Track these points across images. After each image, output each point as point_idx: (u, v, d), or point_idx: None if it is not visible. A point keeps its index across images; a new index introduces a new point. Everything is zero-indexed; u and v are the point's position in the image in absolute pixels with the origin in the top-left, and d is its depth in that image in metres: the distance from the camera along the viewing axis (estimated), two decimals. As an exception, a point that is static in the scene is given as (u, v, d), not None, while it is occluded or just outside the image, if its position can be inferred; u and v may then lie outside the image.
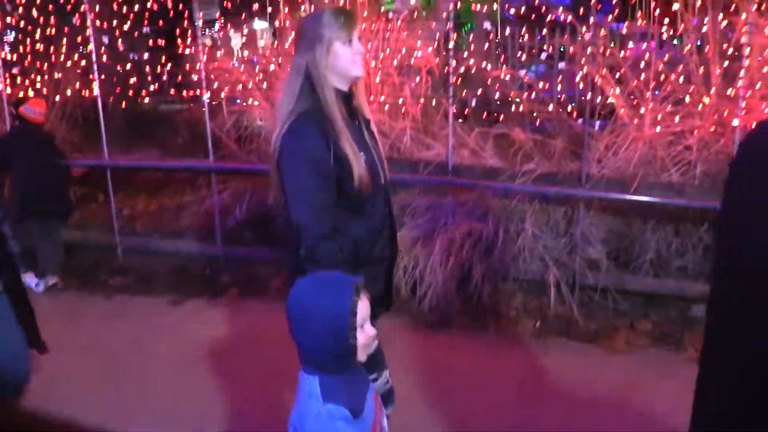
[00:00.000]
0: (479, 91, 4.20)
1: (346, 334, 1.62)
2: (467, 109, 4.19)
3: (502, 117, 4.23)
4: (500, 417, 3.28)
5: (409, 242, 4.31)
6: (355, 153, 2.11)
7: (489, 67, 4.40)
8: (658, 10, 4.45)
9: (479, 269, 4.19)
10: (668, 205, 4.11)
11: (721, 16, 3.89)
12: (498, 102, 4.21)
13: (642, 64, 4.08)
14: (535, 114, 4.12)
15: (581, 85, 4.10)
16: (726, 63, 3.91)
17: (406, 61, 4.39)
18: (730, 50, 4.01)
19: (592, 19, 3.75)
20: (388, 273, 2.40)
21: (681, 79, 4.03)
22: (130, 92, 5.32)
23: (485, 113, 4.22)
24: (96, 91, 5.08)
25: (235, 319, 4.43)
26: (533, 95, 4.12)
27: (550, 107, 4.16)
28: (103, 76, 5.23)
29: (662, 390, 3.37)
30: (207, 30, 5.76)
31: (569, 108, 4.27)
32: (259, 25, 8.71)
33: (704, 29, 3.94)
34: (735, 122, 3.80)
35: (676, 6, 4.12)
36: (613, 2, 4.28)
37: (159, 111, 7.28)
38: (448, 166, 4.35)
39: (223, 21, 6.06)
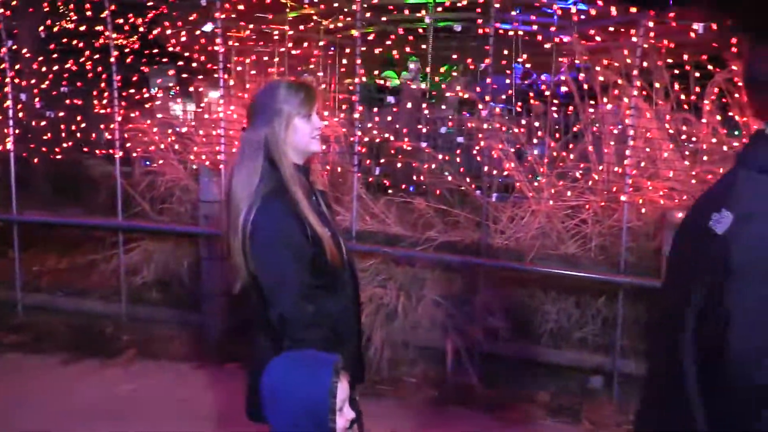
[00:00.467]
0: (381, 161, 4.30)
1: (326, 418, 1.54)
2: (370, 178, 4.28)
3: (403, 186, 4.33)
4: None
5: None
6: (322, 229, 2.02)
7: (392, 138, 4.56)
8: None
9: (379, 335, 4.18)
10: (566, 276, 4.21)
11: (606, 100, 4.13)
12: (402, 172, 4.32)
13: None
14: (435, 185, 4.24)
15: (478, 159, 4.26)
16: (613, 143, 4.13)
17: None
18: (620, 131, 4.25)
19: (488, 97, 3.93)
20: (359, 347, 2.32)
21: (572, 156, 4.22)
22: (44, 148, 5.29)
23: (389, 183, 4.32)
24: (9, 146, 5.03)
25: (126, 381, 4.25)
26: (433, 166, 4.25)
27: (450, 178, 4.28)
28: (17, 131, 5.20)
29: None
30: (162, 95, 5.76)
31: (468, 180, 4.42)
32: (215, 94, 8.85)
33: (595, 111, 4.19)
34: (623, 198, 3.98)
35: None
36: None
37: (84, 167, 7.21)
38: (352, 232, 4.42)
39: (178, 89, 6.07)
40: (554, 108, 4.79)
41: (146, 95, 5.37)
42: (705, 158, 4.09)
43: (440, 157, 4.29)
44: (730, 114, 3.90)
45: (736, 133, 3.95)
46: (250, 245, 1.98)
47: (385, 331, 4.21)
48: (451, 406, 4.05)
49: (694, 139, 3.92)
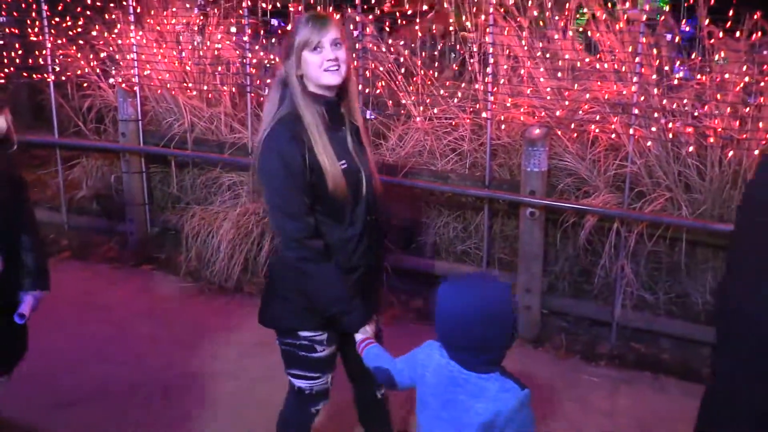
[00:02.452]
0: (268, 82, 4.48)
1: (512, 331, 1.66)
2: (261, 98, 4.46)
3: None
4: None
5: (212, 216, 4.62)
6: (331, 160, 2.06)
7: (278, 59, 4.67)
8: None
9: (268, 243, 4.52)
10: (443, 192, 4.40)
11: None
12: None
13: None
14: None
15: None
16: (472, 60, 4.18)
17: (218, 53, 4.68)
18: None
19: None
20: (370, 280, 2.32)
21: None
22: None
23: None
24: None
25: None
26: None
27: None
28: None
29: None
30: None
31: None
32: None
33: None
34: (484, 115, 4.11)
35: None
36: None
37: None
38: (249, 148, 4.64)
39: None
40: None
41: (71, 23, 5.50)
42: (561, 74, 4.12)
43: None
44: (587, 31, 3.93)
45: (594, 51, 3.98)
46: (257, 163, 2.12)
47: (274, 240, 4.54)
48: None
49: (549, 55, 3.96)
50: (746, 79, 3.55)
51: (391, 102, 4.57)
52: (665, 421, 3.42)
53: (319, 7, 4.99)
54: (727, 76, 3.58)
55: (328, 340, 2.31)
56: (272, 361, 3.78)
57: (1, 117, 2.46)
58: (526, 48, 3.97)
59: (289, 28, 2.34)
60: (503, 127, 4.10)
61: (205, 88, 4.67)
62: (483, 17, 3.93)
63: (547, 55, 4.00)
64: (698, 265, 3.98)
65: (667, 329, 4.03)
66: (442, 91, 4.30)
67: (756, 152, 3.62)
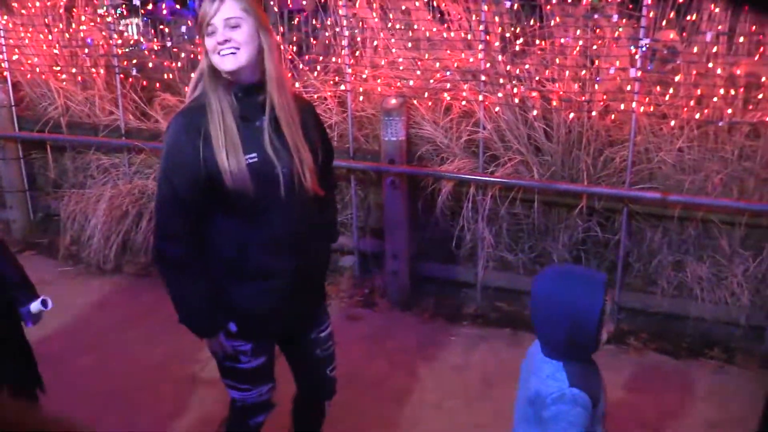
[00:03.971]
0: (134, 62, 4.43)
1: (595, 331, 1.63)
2: (130, 78, 4.42)
3: (158, 84, 4.47)
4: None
5: (87, 199, 4.57)
6: (232, 155, 1.83)
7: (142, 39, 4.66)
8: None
9: (146, 222, 4.50)
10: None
11: None
12: (155, 71, 4.45)
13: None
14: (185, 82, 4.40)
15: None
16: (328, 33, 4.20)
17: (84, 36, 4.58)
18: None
19: None
20: (300, 288, 2.07)
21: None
22: None
23: (146, 83, 4.47)
24: None
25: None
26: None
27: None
28: None
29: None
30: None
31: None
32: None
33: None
34: (342, 87, 4.15)
35: None
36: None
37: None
38: (122, 130, 4.57)
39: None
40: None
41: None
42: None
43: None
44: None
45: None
46: None
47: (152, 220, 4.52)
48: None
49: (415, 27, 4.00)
50: (579, 43, 3.65)
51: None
52: (511, 371, 3.54)
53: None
54: (563, 41, 3.67)
55: (253, 350, 2.09)
56: (129, 337, 3.81)
57: None
58: (377, 20, 4.00)
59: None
60: (361, 98, 4.13)
61: (74, 71, 4.58)
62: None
63: (398, 27, 4.04)
64: (555, 224, 4.11)
65: (527, 287, 4.15)
66: (302, 66, 4.30)
67: (594, 113, 3.74)
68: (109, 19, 4.28)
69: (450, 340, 3.87)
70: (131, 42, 4.59)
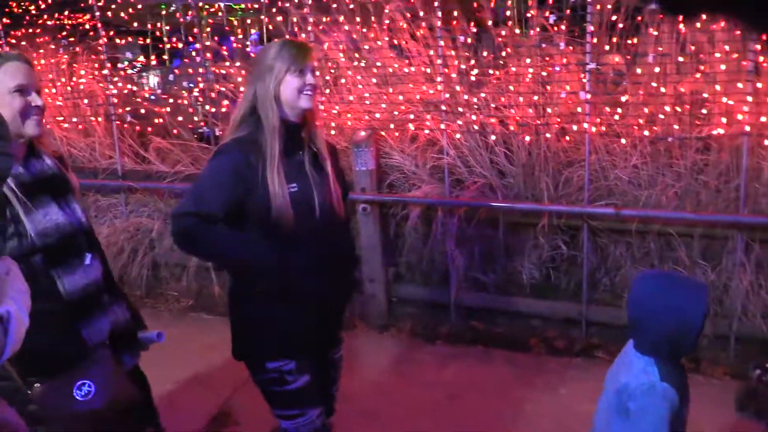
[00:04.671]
0: (128, 109, 4.77)
1: (695, 334, 1.69)
2: (125, 124, 4.75)
3: (149, 129, 4.78)
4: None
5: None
6: (281, 184, 2.00)
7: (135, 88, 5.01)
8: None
9: (143, 257, 4.77)
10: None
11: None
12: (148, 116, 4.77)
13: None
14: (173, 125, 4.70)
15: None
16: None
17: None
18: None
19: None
20: (326, 311, 2.22)
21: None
22: None
23: (139, 128, 4.79)
24: None
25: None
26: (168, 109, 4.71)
27: (180, 118, 4.74)
28: None
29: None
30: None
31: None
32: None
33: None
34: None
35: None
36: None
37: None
38: (119, 172, 4.90)
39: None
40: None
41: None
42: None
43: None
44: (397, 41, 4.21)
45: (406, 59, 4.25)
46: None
47: (149, 255, 4.80)
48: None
49: (379, 64, 4.26)
50: (530, 71, 3.85)
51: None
52: (476, 385, 3.64)
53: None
54: (514, 69, 3.88)
55: (298, 368, 2.17)
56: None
57: None
58: (344, 60, 4.27)
59: (263, 49, 2.16)
60: (333, 132, 4.37)
61: (75, 119, 4.94)
62: (303, 35, 4.22)
63: (363, 64, 4.29)
64: (524, 244, 4.25)
65: (499, 306, 4.28)
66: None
67: (549, 135, 3.91)
68: (130, 71, 4.62)
69: (424, 358, 4.00)
70: (125, 91, 4.93)
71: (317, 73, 2.09)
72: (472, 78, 4.02)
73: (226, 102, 4.53)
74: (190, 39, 5.01)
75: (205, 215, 1.99)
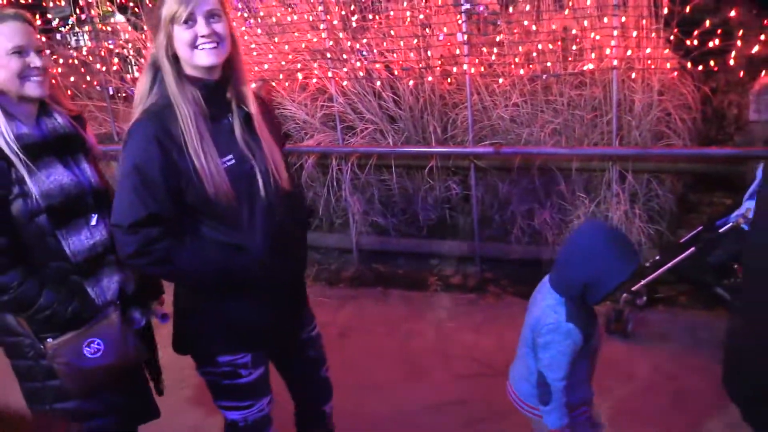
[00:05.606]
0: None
1: (605, 294, 1.77)
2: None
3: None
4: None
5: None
6: (208, 158, 1.68)
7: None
8: None
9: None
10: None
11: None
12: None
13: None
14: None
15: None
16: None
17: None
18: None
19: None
20: (284, 296, 1.94)
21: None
22: None
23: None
24: None
25: None
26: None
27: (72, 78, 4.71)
28: None
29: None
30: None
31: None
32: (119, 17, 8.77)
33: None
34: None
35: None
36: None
37: None
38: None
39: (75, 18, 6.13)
40: None
41: None
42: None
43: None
44: None
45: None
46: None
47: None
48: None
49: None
50: (408, 14, 3.87)
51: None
52: (368, 323, 3.78)
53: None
54: (392, 13, 3.89)
55: (253, 361, 1.94)
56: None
57: None
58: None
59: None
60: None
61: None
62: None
63: (246, 15, 4.26)
64: (417, 186, 4.35)
65: (399, 248, 4.42)
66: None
67: (430, 79, 3.97)
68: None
69: (323, 301, 4.13)
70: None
71: (218, 18, 1.66)
72: (354, 24, 4.01)
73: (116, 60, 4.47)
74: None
75: (154, 220, 1.70)
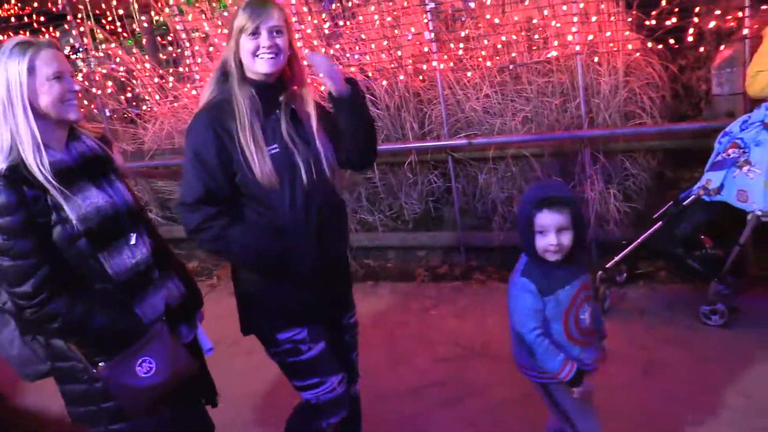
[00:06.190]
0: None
1: (522, 235, 1.91)
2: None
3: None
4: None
5: None
6: (258, 148, 1.91)
7: None
8: None
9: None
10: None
11: None
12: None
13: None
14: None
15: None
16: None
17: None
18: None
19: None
20: (327, 278, 2.08)
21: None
22: None
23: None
24: None
25: None
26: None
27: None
28: None
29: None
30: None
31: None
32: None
33: None
34: (194, 92, 4.58)
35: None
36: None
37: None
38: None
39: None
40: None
41: None
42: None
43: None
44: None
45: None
46: None
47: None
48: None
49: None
50: (375, 18, 4.02)
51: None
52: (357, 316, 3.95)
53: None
54: (361, 18, 4.05)
55: (310, 335, 2.08)
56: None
57: None
58: (208, 29, 4.45)
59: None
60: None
61: None
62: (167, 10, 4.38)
63: (225, 31, 4.46)
64: (401, 182, 4.50)
65: (388, 242, 4.56)
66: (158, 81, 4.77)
67: (401, 77, 4.11)
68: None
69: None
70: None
71: (280, 34, 1.91)
72: (326, 31, 4.18)
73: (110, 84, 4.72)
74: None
75: (212, 198, 1.94)
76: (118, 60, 4.66)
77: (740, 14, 3.41)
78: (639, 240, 3.36)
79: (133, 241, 1.89)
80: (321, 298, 2.08)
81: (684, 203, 3.23)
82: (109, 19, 4.89)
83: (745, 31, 3.35)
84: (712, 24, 3.57)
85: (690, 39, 3.62)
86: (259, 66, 1.92)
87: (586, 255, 2.01)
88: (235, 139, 1.91)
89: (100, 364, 1.81)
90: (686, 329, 3.29)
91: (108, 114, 4.73)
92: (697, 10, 3.58)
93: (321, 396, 2.11)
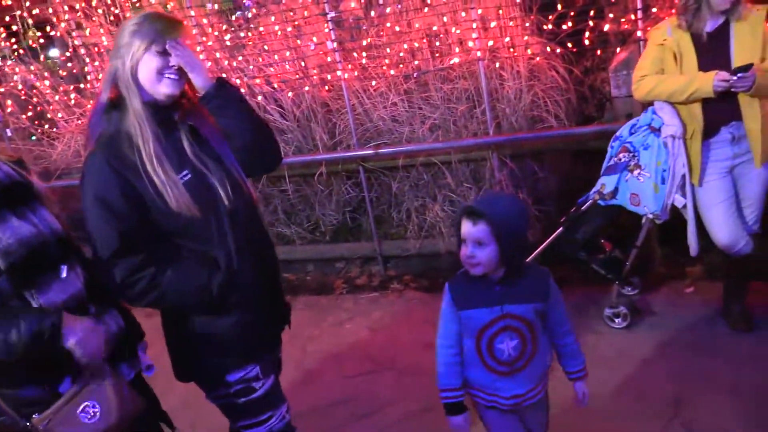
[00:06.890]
0: None
1: (457, 240, 1.81)
2: None
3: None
4: None
5: None
6: (168, 177, 1.69)
7: None
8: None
9: None
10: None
11: None
12: None
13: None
14: None
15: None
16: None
17: None
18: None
19: None
20: (265, 303, 1.91)
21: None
22: None
23: None
24: None
25: None
26: None
27: None
28: None
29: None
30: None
31: None
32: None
33: None
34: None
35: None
36: None
37: None
38: None
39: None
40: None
41: None
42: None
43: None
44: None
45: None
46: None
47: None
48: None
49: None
50: (276, 28, 3.94)
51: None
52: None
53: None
54: (262, 29, 3.97)
55: (263, 370, 1.91)
56: None
57: None
58: (106, 43, 4.30)
59: (125, 22, 1.74)
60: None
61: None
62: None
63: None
64: (316, 193, 4.43)
65: (306, 255, 4.50)
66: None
67: (306, 88, 4.05)
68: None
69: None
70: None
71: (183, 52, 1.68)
72: (228, 43, 4.09)
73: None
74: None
75: (131, 246, 1.70)
76: (16, 78, 4.47)
77: (633, 17, 3.44)
78: (543, 245, 3.36)
79: (64, 275, 1.67)
80: (269, 322, 1.94)
81: (582, 208, 3.24)
82: (3, 35, 4.68)
83: (639, 33, 3.38)
84: (606, 27, 3.60)
85: (587, 42, 3.64)
86: (165, 87, 1.70)
87: (542, 285, 1.88)
88: (141, 172, 1.67)
89: (34, 416, 1.60)
90: (591, 332, 3.32)
91: (9, 134, 4.54)
92: (592, 13, 3.60)
93: (274, 427, 1.95)
